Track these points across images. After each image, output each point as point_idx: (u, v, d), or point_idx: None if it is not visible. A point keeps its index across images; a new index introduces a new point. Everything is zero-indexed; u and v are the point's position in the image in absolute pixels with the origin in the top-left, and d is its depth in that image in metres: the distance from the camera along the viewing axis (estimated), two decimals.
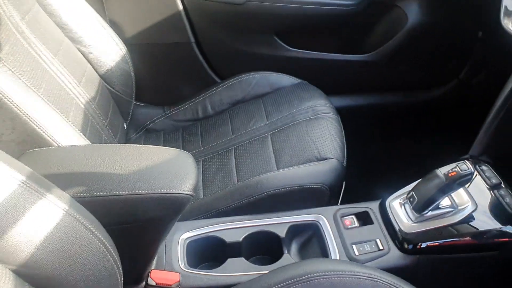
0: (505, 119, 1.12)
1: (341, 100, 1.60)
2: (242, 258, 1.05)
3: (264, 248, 1.10)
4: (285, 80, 1.50)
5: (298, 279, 0.87)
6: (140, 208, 0.85)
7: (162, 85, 1.65)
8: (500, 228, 0.99)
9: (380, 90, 1.67)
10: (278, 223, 1.10)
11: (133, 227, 0.87)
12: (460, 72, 1.65)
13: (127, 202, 0.84)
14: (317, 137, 1.26)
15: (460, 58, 1.63)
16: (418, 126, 1.69)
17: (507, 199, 1.03)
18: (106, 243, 0.76)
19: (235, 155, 1.31)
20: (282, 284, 0.87)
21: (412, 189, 1.05)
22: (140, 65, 1.53)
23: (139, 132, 1.53)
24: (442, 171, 1.01)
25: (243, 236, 1.07)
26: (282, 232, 1.08)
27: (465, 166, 1.00)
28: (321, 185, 1.17)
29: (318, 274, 0.88)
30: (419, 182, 1.05)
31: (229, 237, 1.07)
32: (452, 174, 0.99)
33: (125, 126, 1.46)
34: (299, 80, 1.51)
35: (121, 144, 0.95)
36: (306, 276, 0.87)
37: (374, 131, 1.65)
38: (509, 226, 0.99)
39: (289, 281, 0.87)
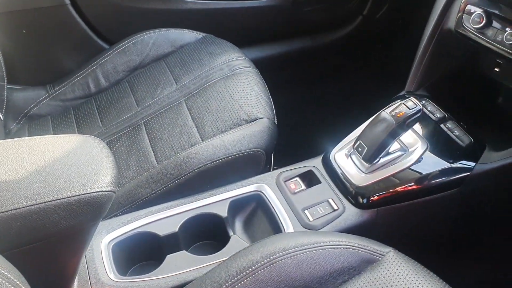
0: (436, 50, 1.05)
1: (252, 51, 1.45)
2: (183, 251, 0.88)
3: (206, 233, 0.94)
4: (187, 35, 1.33)
5: (260, 264, 0.75)
6: (48, 220, 0.65)
7: (39, 60, 1.39)
8: (456, 164, 0.93)
9: (289, 36, 1.57)
10: (216, 201, 0.95)
11: (44, 244, 0.67)
12: (363, 9, 1.62)
13: (29, 216, 0.64)
14: (241, 96, 1.10)
15: None
16: (337, 68, 1.61)
17: (456, 132, 0.97)
18: (9, 275, 0.57)
19: (147, 130, 1.12)
20: (243, 274, 0.74)
21: (359, 137, 0.95)
22: (7, 39, 1.28)
23: (20, 121, 1.28)
24: (387, 112, 0.91)
25: (179, 225, 0.91)
26: (223, 211, 0.93)
27: (411, 102, 0.91)
28: (256, 149, 1.02)
29: (281, 254, 0.77)
30: (365, 128, 0.95)
31: (163, 229, 0.90)
32: (400, 114, 0.90)
33: (1, 116, 1.19)
34: (203, 34, 1.33)
35: (4, 140, 0.72)
36: (269, 259, 0.76)
37: (293, 81, 1.55)
38: (463, 160, 0.93)
39: (250, 269, 0.75)
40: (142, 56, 1.30)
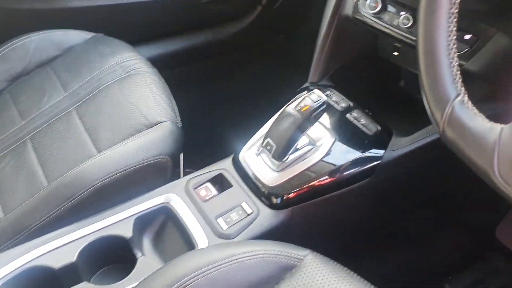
0: (336, 39, 1.03)
1: (148, 50, 1.36)
2: (85, 282, 0.78)
3: (110, 257, 0.85)
4: (74, 36, 1.21)
5: None
6: None
7: None
8: (366, 153, 0.92)
9: (188, 30, 1.49)
10: (119, 220, 0.86)
11: None
12: None
13: None
14: (138, 99, 1.01)
15: None
16: (240, 62, 1.56)
17: (363, 120, 0.95)
18: None
19: (34, 146, 1.01)
20: None
21: (267, 135, 0.90)
22: None
23: None
24: (292, 107, 0.88)
25: (77, 253, 0.80)
26: (127, 231, 0.84)
27: (315, 95, 0.88)
28: (161, 157, 0.94)
29: (193, 274, 0.70)
30: (271, 126, 0.90)
31: (58, 261, 0.79)
32: (305, 108, 0.87)
33: None
34: (92, 34, 1.22)
35: None
36: (180, 282, 0.69)
37: (196, 79, 1.47)
38: (373, 149, 0.92)
39: None
40: (24, 63, 1.17)
